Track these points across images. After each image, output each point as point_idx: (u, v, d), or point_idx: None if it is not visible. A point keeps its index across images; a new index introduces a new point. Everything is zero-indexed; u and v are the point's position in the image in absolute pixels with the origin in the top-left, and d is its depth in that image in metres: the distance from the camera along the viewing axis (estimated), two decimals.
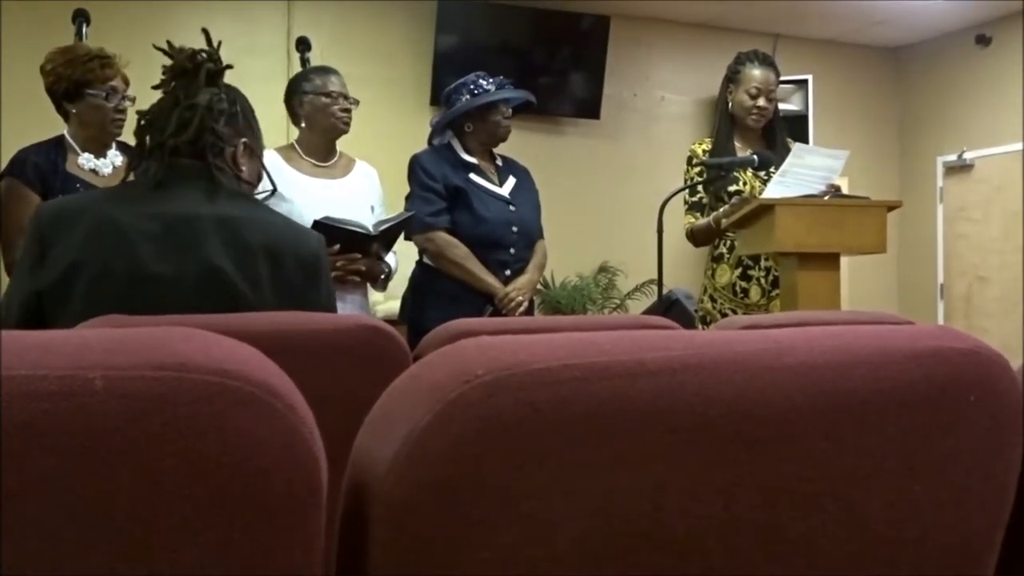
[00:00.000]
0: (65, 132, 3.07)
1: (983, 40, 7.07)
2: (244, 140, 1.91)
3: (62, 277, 1.68)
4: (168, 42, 1.86)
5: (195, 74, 1.84)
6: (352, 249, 2.93)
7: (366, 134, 5.76)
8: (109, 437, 0.54)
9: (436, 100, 5.84)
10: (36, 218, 1.77)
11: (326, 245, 2.83)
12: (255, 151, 1.97)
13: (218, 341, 0.61)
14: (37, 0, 5.02)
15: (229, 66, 1.89)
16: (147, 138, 1.84)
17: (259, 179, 2.03)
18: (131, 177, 1.91)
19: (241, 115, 1.92)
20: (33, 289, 1.71)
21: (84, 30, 3.90)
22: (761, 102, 3.65)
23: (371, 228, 2.98)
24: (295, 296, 1.80)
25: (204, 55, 1.86)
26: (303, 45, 4.06)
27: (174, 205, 1.76)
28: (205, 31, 1.92)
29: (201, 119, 1.81)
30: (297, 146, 3.27)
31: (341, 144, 3.35)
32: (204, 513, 0.56)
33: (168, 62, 1.87)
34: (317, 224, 2.81)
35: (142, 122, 1.86)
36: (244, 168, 1.92)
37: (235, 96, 1.93)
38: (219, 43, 1.90)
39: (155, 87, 1.90)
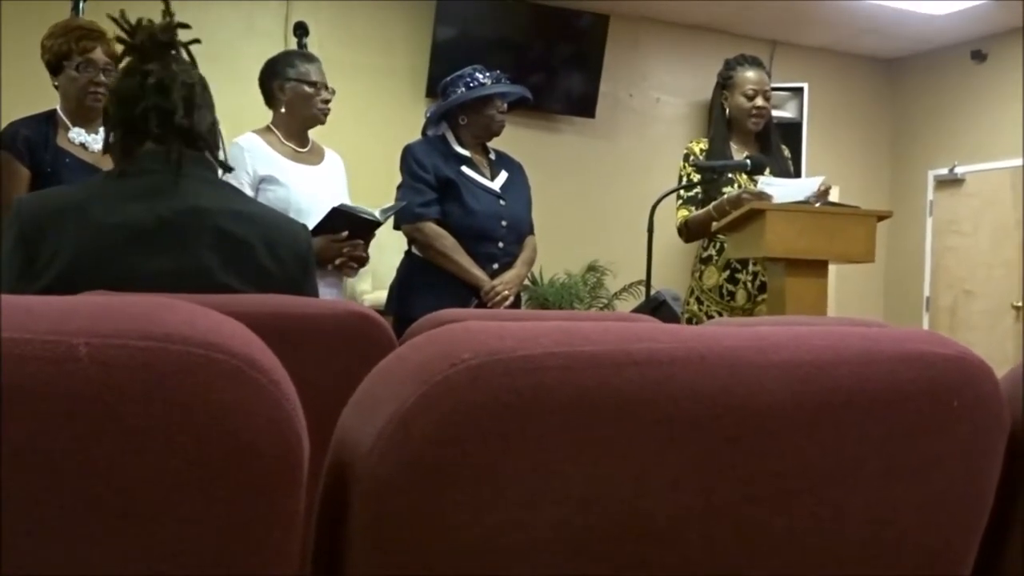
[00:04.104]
0: (57, 106, 3.05)
1: (978, 56, 7.10)
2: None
3: (56, 282, 1.61)
4: (121, 15, 1.74)
5: (168, 47, 1.75)
6: (356, 236, 2.95)
7: (360, 122, 5.78)
8: (91, 404, 0.53)
9: (432, 91, 5.83)
10: (17, 218, 1.67)
11: (335, 231, 2.87)
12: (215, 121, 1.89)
13: (205, 314, 0.61)
14: None
15: (196, 40, 1.79)
16: (130, 118, 1.74)
17: None
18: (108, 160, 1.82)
19: (202, 90, 1.83)
20: (28, 293, 1.61)
21: (81, 7, 3.88)
22: (759, 101, 3.67)
23: (378, 215, 3.00)
24: (294, 288, 1.78)
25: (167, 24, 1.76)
26: (300, 30, 4.05)
27: (172, 202, 1.69)
28: (168, 20, 1.80)
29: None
30: (275, 129, 3.24)
31: (332, 131, 3.35)
32: (184, 485, 0.56)
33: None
34: (336, 211, 2.87)
35: (116, 101, 1.76)
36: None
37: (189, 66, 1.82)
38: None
39: (123, 67, 1.79)
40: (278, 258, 1.77)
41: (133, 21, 1.78)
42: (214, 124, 1.84)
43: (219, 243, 1.70)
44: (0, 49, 4.92)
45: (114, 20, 1.77)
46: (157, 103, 1.72)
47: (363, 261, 3.07)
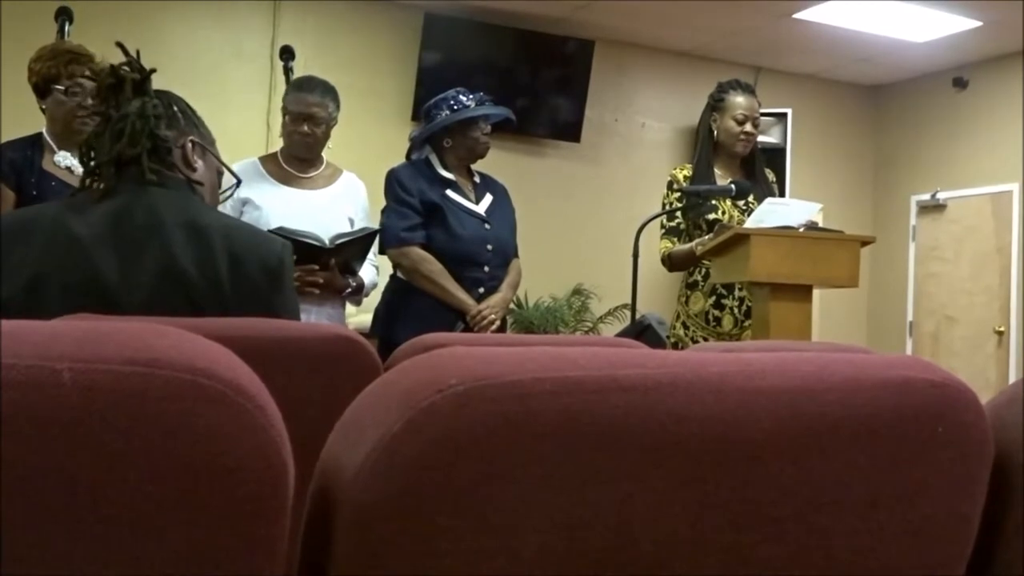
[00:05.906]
0: (43, 129, 3.04)
1: (960, 83, 7.17)
2: (191, 139, 1.87)
3: (21, 292, 1.65)
4: (90, 68, 1.83)
5: (120, 87, 1.80)
6: (308, 261, 2.90)
7: (346, 145, 5.77)
8: (75, 430, 0.53)
9: (418, 115, 5.85)
10: None
11: None
12: (207, 148, 1.93)
13: (190, 339, 0.61)
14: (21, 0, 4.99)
15: (153, 70, 1.84)
16: (91, 161, 1.81)
17: (220, 175, 2.00)
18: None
19: (181, 115, 1.88)
20: None
21: (67, 28, 3.88)
22: (748, 128, 3.68)
23: (327, 241, 2.96)
24: (259, 300, 1.78)
25: (126, 68, 1.81)
26: (287, 54, 4.06)
27: (130, 212, 1.73)
28: (120, 44, 1.85)
29: (133, 125, 1.77)
30: (279, 154, 3.29)
31: (327, 155, 3.35)
32: (169, 510, 0.55)
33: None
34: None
35: (83, 148, 1.83)
36: (198, 166, 1.88)
37: (170, 98, 1.89)
38: (138, 51, 1.85)
39: (93, 112, 1.83)
40: (242, 269, 1.77)
41: (118, 45, 1.83)
42: (185, 147, 1.87)
43: (186, 251, 1.72)
44: None
45: (121, 48, 1.83)
46: (149, 131, 1.78)
47: (327, 287, 3.01)
